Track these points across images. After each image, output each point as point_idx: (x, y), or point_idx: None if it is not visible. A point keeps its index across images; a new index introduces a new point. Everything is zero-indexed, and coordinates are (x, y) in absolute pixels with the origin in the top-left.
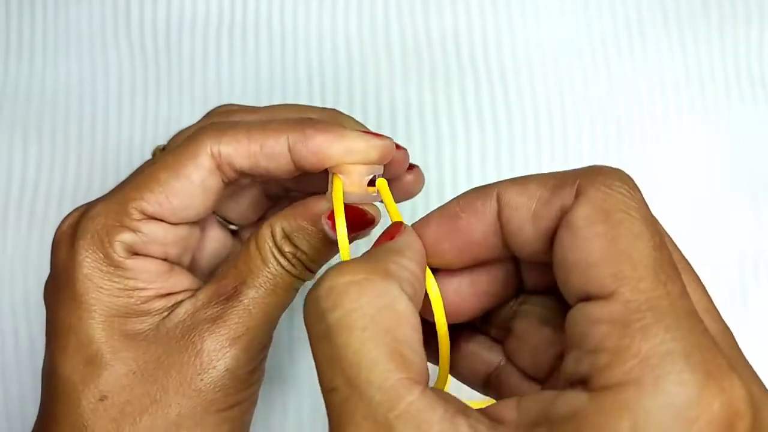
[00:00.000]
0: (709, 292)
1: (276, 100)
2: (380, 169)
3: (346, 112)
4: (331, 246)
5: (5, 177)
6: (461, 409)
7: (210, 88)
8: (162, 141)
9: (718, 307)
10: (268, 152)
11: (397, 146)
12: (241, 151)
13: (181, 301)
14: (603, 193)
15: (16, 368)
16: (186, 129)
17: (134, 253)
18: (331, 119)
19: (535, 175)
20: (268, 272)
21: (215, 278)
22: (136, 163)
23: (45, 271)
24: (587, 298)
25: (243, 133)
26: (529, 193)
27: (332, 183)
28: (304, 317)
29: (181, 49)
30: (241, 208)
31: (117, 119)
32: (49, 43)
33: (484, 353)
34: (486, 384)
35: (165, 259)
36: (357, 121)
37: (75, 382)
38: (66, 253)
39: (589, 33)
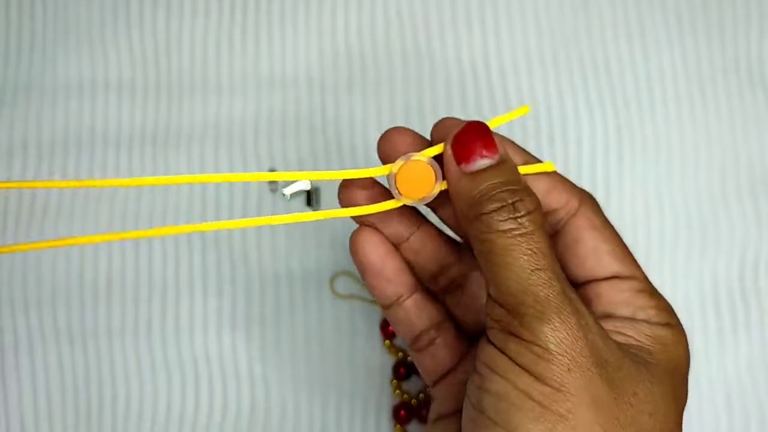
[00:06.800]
0: (709, 292)
1: (276, 96)
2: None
3: (346, 112)
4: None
5: (4, 177)
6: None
7: (210, 87)
8: (160, 142)
9: (718, 306)
10: None
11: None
12: None
13: None
14: (598, 209)
15: (15, 369)
16: None
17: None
18: None
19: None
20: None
21: None
22: (136, 163)
23: (44, 271)
24: (615, 277)
25: None
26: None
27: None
28: None
29: (181, 49)
30: None
31: (117, 119)
32: (49, 43)
33: (427, 308)
34: (416, 340)
35: None
36: None
37: None
38: None
39: (588, 33)
